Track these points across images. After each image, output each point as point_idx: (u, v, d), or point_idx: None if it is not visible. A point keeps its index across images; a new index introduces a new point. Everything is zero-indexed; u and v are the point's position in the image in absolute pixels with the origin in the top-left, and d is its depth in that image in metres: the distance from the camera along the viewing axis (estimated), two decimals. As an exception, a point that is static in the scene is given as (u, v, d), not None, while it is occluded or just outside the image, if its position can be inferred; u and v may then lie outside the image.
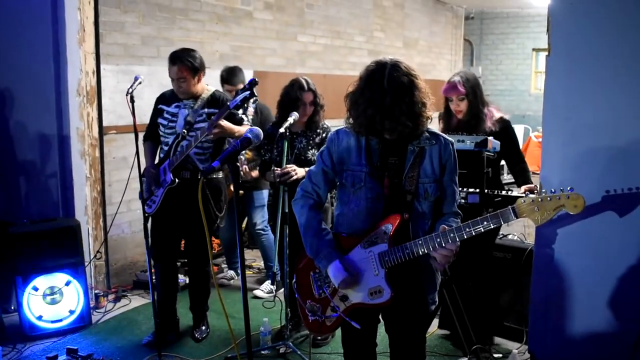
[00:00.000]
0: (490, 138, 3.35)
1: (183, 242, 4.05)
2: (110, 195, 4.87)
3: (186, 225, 3.79)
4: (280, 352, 3.73)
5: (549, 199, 2.04)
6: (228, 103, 3.47)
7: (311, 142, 3.83)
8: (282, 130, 3.49)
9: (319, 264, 2.33)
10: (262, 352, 3.74)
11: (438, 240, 2.15)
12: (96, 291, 4.59)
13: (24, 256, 3.98)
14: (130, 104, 3.38)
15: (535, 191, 1.85)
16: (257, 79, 3.40)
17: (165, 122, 3.77)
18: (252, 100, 3.36)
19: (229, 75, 4.75)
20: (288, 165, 3.59)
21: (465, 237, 2.12)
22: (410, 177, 2.25)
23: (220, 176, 3.90)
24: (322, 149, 2.43)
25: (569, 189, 2.04)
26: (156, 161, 3.89)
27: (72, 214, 4.49)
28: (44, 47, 4.37)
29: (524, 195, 2.76)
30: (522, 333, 3.70)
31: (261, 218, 4.83)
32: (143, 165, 3.82)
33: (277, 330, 4.00)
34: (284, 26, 6.83)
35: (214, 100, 3.75)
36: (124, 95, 3.45)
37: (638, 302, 2.70)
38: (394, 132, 2.21)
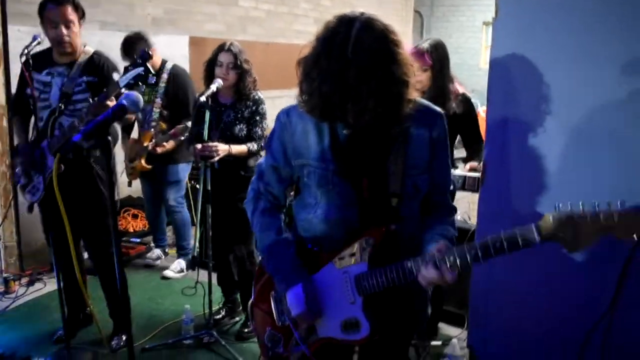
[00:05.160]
0: None
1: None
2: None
3: (77, 209, 3.13)
4: (204, 341, 3.39)
5: (590, 217, 1.37)
6: (117, 80, 2.85)
7: (239, 115, 3.35)
8: (202, 98, 3.09)
9: (277, 285, 1.81)
10: (185, 341, 3.40)
11: (433, 265, 1.55)
12: (5, 275, 4.15)
13: None
14: (25, 69, 2.89)
15: (560, 207, 1.35)
16: (149, 51, 2.85)
17: (37, 94, 3.08)
18: (151, 75, 2.78)
19: (129, 48, 4.10)
20: (210, 143, 3.17)
21: (470, 263, 1.52)
22: (394, 172, 1.67)
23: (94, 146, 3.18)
24: (269, 136, 1.85)
25: (618, 203, 1.36)
26: (31, 138, 3.26)
27: (-25, 191, 4.02)
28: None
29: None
30: (463, 318, 3.47)
31: (175, 194, 4.43)
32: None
33: (205, 317, 3.65)
34: (223, -11, 6.37)
35: (94, 65, 3.11)
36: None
37: (588, 292, 2.44)
38: (359, 118, 1.56)
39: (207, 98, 3.09)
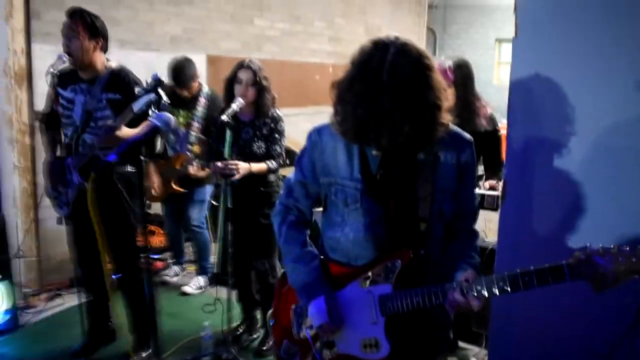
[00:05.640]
0: None
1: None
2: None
3: (103, 223, 3.21)
4: (223, 358, 3.40)
5: (622, 260, 1.37)
6: (131, 106, 2.78)
7: (258, 133, 3.37)
8: (224, 118, 3.11)
9: (299, 297, 1.84)
10: (204, 358, 3.41)
11: (460, 292, 1.58)
12: (26, 290, 4.19)
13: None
14: (50, 87, 2.94)
15: (591, 247, 1.33)
16: (161, 78, 2.75)
17: (61, 110, 3.15)
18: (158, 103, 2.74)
19: (179, 74, 4.14)
20: (231, 161, 3.19)
21: (498, 294, 1.53)
22: (422, 197, 1.68)
23: (127, 166, 3.16)
24: (300, 152, 1.88)
25: None
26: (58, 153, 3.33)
27: (-1, 206, 4.09)
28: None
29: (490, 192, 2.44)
30: (481, 337, 3.45)
31: (197, 213, 4.48)
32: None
33: (224, 333, 3.66)
34: (239, 8, 6.43)
35: (116, 80, 3.09)
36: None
37: (615, 311, 2.42)
38: (393, 141, 1.57)
39: (228, 117, 3.12)
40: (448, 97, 1.61)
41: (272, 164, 3.35)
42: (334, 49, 8.08)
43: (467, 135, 1.78)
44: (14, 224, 4.07)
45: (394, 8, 9.76)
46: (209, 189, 4.50)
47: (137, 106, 2.76)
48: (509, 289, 1.51)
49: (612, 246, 1.41)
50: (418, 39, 10.66)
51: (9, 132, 4.09)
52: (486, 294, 1.54)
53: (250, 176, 3.28)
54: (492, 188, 3.18)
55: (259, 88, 3.31)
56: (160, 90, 2.75)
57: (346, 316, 1.76)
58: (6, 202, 4.12)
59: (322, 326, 1.74)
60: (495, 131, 3.24)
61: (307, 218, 1.94)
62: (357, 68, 1.59)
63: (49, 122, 3.33)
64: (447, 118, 1.62)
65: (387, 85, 1.51)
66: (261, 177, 3.36)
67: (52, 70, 2.98)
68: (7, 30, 3.98)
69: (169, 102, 2.85)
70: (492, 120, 3.24)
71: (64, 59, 3.06)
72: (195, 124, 4.22)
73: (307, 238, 1.90)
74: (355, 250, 1.77)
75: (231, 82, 3.36)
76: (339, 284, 1.79)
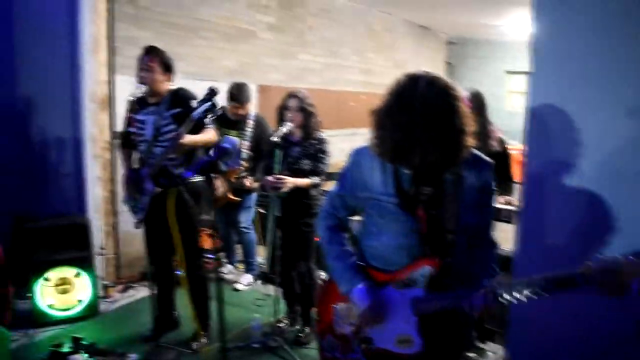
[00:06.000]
0: None
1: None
2: (122, 193, 4.52)
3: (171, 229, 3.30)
4: (270, 346, 3.40)
5: (629, 263, 1.34)
6: (191, 115, 2.95)
7: (305, 152, 3.37)
8: (275, 139, 3.15)
9: (340, 289, 1.82)
10: (253, 345, 3.43)
11: (484, 298, 1.55)
12: (105, 282, 4.27)
13: (38, 249, 3.70)
14: (129, 111, 3.01)
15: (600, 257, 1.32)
16: (216, 89, 2.90)
17: (135, 130, 3.25)
18: (214, 110, 2.87)
19: (239, 92, 4.23)
20: (282, 176, 3.21)
21: (519, 300, 1.51)
22: (449, 211, 1.68)
23: (197, 179, 3.23)
24: (342, 169, 1.89)
25: None
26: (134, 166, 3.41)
27: (84, 212, 4.18)
28: (62, 58, 4.06)
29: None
30: (499, 334, 3.36)
31: (245, 217, 4.52)
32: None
33: (271, 324, 3.66)
34: (285, 45, 6.51)
35: (177, 98, 3.16)
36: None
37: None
38: (424, 162, 1.59)
39: (279, 138, 3.16)
40: (471, 123, 1.61)
41: (316, 179, 3.35)
42: (366, 79, 8.10)
43: (488, 159, 1.77)
44: (96, 226, 4.15)
45: (417, 44, 9.76)
46: (254, 196, 4.54)
47: (195, 115, 2.86)
48: (530, 295, 1.48)
49: (619, 255, 1.38)
50: (437, 71, 10.61)
51: (94, 149, 4.19)
52: (509, 298, 1.51)
53: (296, 189, 3.29)
54: (507, 203, 3.12)
55: (305, 113, 3.33)
56: (214, 100, 2.83)
57: (383, 314, 1.75)
58: (91, 209, 4.21)
59: (366, 309, 1.72)
60: (504, 151, 3.26)
61: (344, 225, 1.94)
62: (393, 98, 1.62)
63: (125, 141, 3.43)
64: (470, 142, 1.62)
65: (419, 113, 1.54)
66: (305, 190, 3.37)
67: (131, 98, 3.05)
68: (93, 63, 4.09)
69: (221, 109, 2.93)
70: (501, 142, 3.28)
71: (141, 88, 3.16)
72: (246, 143, 4.28)
73: (346, 240, 1.92)
74: (390, 257, 1.76)
75: (282, 109, 3.40)
76: (378, 286, 1.77)
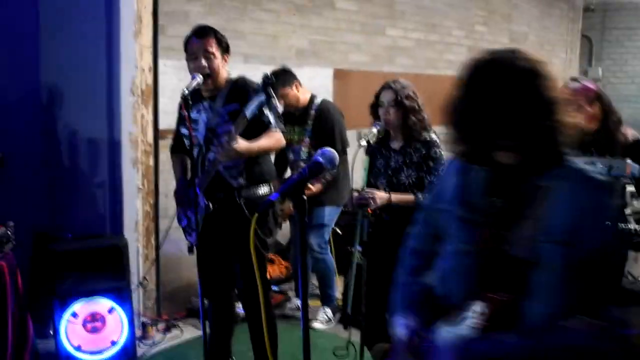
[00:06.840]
0: (629, 161, 2.86)
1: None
2: (166, 207, 4.62)
3: (231, 252, 3.33)
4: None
5: None
6: (243, 111, 2.92)
7: (407, 160, 3.27)
8: (363, 143, 3.09)
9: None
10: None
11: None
12: (144, 319, 4.37)
13: (64, 277, 3.79)
14: (184, 110, 3.05)
15: None
16: (271, 76, 2.90)
17: (186, 132, 3.23)
18: (274, 103, 2.88)
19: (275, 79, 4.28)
20: (367, 189, 3.16)
21: None
22: (522, 233, 1.58)
23: (262, 193, 3.30)
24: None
25: None
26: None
27: (120, 231, 4.29)
28: (96, 41, 4.19)
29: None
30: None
31: (317, 238, 4.47)
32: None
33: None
34: (370, 18, 6.46)
35: (234, 91, 3.16)
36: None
37: None
38: (510, 153, 1.60)
39: (367, 142, 3.10)
40: (569, 114, 1.58)
41: (423, 195, 3.16)
42: (474, 60, 7.94)
43: (598, 177, 1.62)
44: (134, 249, 4.25)
45: (542, 13, 9.47)
46: (330, 212, 4.49)
47: (248, 111, 2.87)
48: None
49: None
50: (571, 48, 10.25)
51: (134, 153, 4.28)
52: None
53: (393, 208, 3.21)
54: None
55: (404, 110, 3.24)
56: (270, 90, 2.82)
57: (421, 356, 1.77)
58: (128, 227, 4.31)
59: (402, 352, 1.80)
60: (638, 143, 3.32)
61: (420, 246, 1.97)
62: (466, 85, 1.64)
63: (176, 146, 3.49)
64: (572, 118, 1.58)
65: (497, 103, 1.55)
66: (404, 209, 3.22)
67: (186, 91, 3.04)
68: (135, 47, 4.19)
69: (274, 99, 2.93)
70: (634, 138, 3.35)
71: (198, 79, 3.11)
72: (307, 139, 4.28)
73: (416, 267, 1.95)
74: (445, 283, 1.78)
75: (375, 106, 3.35)
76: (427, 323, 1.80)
